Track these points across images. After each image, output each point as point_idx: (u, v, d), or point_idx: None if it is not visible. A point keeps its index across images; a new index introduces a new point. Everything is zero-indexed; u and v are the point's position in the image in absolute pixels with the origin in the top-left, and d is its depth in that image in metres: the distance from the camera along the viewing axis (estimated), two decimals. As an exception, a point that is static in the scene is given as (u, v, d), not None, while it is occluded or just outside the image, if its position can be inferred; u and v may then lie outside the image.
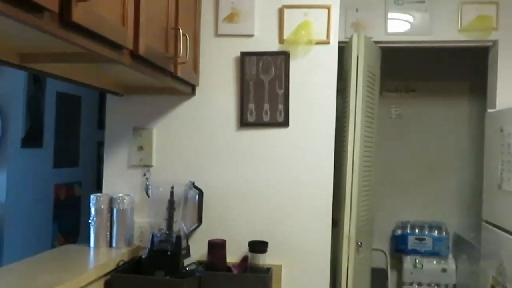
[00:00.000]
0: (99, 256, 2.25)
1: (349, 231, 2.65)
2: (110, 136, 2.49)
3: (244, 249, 2.33)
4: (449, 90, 4.07)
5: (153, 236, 2.21)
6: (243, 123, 2.38)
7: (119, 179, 2.48)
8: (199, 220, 2.38)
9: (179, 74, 2.01)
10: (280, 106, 2.34)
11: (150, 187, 2.40)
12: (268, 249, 2.29)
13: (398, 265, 4.04)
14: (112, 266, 2.12)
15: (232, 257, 2.34)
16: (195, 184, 2.38)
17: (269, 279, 2.21)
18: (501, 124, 2.65)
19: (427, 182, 4.06)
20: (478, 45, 3.04)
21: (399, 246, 3.92)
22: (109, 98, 2.46)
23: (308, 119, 2.34)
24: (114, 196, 2.35)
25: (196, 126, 2.42)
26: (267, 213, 2.37)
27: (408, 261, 3.86)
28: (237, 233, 2.37)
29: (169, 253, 2.16)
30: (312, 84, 2.34)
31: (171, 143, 2.44)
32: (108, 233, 2.33)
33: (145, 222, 2.42)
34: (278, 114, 2.35)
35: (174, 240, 2.19)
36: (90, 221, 2.31)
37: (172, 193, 2.28)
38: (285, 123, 2.35)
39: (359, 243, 2.75)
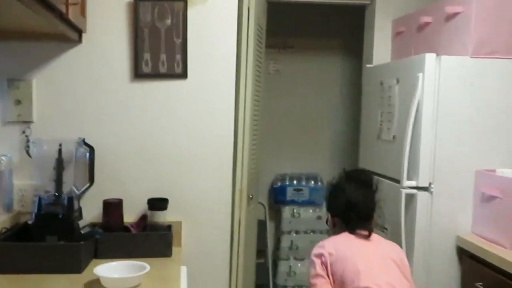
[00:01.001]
0: (-28, 225, 1.98)
1: (241, 184, 2.66)
2: (-21, 89, 2.16)
3: (143, 208, 2.23)
4: (324, 47, 4.23)
5: (40, 199, 2.01)
6: (138, 74, 2.23)
7: (-8, 138, 2.18)
8: (91, 179, 2.21)
9: (70, 16, 1.79)
10: (178, 57, 2.23)
11: (32, 145, 2.16)
12: (168, 206, 2.22)
13: (276, 216, 4.21)
14: (-8, 235, 1.89)
15: (130, 216, 2.23)
16: (86, 141, 2.19)
17: (170, 236, 2.14)
18: (380, 78, 2.84)
19: (303, 136, 4.24)
20: (357, 3, 3.18)
21: (278, 198, 4.07)
22: (-23, 44, 2.12)
23: (208, 71, 2.27)
24: (-13, 157, 2.08)
25: (84, 77, 2.21)
26: (166, 170, 2.28)
27: (286, 211, 4.03)
28: (134, 192, 2.25)
29: (60, 216, 1.99)
30: (212, 34, 2.25)
31: (55, 96, 2.20)
32: (-18, 199, 2.07)
33: (26, 184, 2.19)
34: (175, 65, 2.24)
35: (65, 202, 2.02)
36: (-41, 186, 2.02)
37: (60, 151, 2.09)
38: (183, 75, 2.25)
39: (250, 196, 2.80)
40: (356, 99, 3.66)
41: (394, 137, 2.62)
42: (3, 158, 2.08)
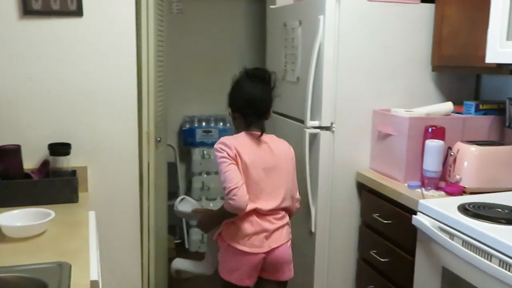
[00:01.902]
0: None
1: (148, 127, 2.63)
2: None
3: (44, 154, 2.14)
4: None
5: None
6: (27, 10, 2.07)
7: None
8: (-18, 125, 2.07)
9: None
10: (72, -8, 2.09)
11: None
12: (72, 151, 2.15)
13: (186, 158, 4.23)
14: None
15: (30, 163, 2.14)
16: (-27, 84, 2.03)
17: (75, 182, 2.09)
18: (284, 20, 2.85)
19: (210, 77, 4.20)
20: None
21: (187, 140, 4.06)
22: None
23: (105, 9, 2.16)
24: None
25: (-35, 14, 2.01)
26: (67, 114, 2.19)
27: (196, 153, 4.05)
28: (32, 137, 2.16)
29: (-50, 166, 1.86)
30: (110, -32, 2.13)
31: None
32: None
33: None
34: (69, 1, 2.11)
35: (-46, 150, 1.88)
36: None
37: None
38: (78, 12, 2.13)
39: (158, 139, 2.77)
40: (261, 40, 3.66)
41: (298, 78, 2.68)
42: None
